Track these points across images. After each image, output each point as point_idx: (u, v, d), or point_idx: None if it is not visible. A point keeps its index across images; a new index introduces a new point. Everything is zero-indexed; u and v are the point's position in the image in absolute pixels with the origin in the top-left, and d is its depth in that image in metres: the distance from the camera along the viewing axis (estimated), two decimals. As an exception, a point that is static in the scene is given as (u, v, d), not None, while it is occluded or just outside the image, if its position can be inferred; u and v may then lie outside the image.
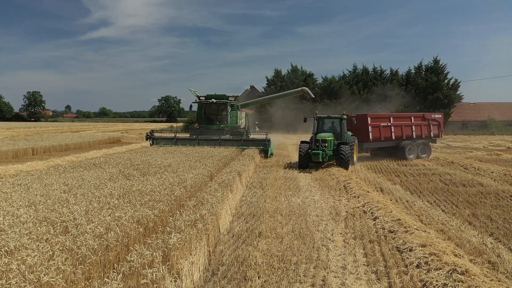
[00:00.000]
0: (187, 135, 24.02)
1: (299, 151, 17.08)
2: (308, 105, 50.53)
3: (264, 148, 21.17)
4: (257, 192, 11.62)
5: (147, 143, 24.23)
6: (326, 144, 16.57)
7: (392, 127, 20.72)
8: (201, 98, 24.91)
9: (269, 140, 21.31)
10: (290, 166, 18.07)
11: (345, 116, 18.27)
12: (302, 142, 17.76)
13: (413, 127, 21.54)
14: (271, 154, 21.37)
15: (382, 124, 20.42)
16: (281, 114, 51.32)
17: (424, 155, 21.57)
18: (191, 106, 25.72)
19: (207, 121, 24.62)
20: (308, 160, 16.80)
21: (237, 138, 22.11)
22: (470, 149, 27.72)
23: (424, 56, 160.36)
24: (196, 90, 26.15)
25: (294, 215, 8.96)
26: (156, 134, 23.04)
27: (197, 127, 24.70)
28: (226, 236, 7.35)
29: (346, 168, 16.32)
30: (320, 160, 16.47)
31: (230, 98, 24.99)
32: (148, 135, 22.72)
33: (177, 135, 22.64)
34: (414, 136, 21.48)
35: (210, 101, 24.39)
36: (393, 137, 20.78)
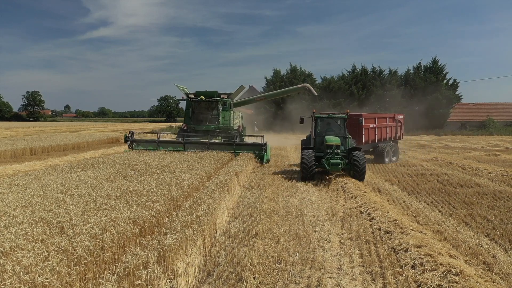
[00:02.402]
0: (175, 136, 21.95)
1: (303, 159, 13.95)
2: (307, 105, 50.54)
3: (259, 153, 18.73)
4: (255, 192, 11.63)
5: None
6: (339, 151, 14.13)
7: (376, 129, 19.56)
8: (189, 95, 22.15)
9: (265, 144, 18.89)
10: (288, 166, 18.09)
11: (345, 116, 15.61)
12: (305, 148, 14.85)
13: (387, 128, 20.62)
14: (267, 160, 19.09)
15: (371, 125, 19.17)
16: (281, 114, 51.32)
17: (394, 158, 20.25)
18: (177, 103, 23.92)
19: (196, 121, 21.77)
20: (313, 171, 13.93)
21: (229, 141, 19.59)
22: (468, 149, 27.76)
23: (424, 56, 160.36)
24: (185, 87, 23.56)
25: (291, 216, 8.98)
26: (136, 136, 20.56)
27: (185, 128, 21.95)
28: (222, 236, 7.36)
29: (361, 179, 13.81)
30: (341, 171, 14.15)
31: (222, 96, 22.29)
32: (126, 137, 19.95)
33: (160, 138, 20.31)
34: (387, 138, 20.60)
35: (198, 98, 21.37)
36: (376, 140, 19.61)
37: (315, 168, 14.07)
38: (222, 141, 20.27)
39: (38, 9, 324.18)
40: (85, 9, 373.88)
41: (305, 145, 15.78)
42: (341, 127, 15.59)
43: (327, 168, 13.86)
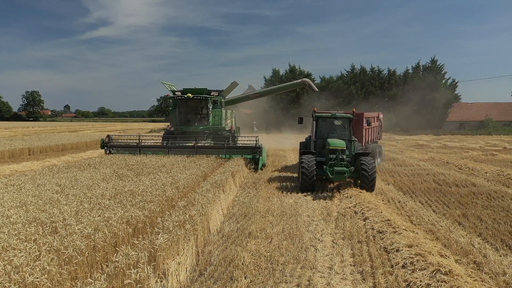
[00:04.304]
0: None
1: (302, 166, 11.97)
2: (306, 105, 50.61)
3: (254, 157, 16.72)
4: (250, 192, 11.67)
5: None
6: (344, 156, 12.27)
7: (370, 129, 18.40)
8: (176, 93, 20.05)
9: (260, 147, 16.73)
10: (285, 166, 18.13)
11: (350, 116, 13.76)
12: (304, 152, 12.89)
13: (375, 128, 19.72)
14: (263, 165, 17.08)
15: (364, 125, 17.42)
16: (281, 114, 51.35)
17: (379, 159, 18.78)
18: (162, 102, 20.92)
19: (183, 122, 19.70)
20: (314, 180, 12.00)
21: (219, 144, 17.71)
22: (466, 149, 27.80)
23: (425, 56, 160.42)
24: (173, 84, 21.68)
25: (286, 216, 9.02)
26: (115, 140, 18.39)
27: (171, 129, 19.94)
28: (216, 236, 7.41)
29: (371, 190, 11.88)
30: (346, 180, 12.23)
31: (212, 93, 20.25)
32: (103, 142, 17.79)
33: (142, 142, 18.07)
34: (374, 139, 19.55)
35: (185, 96, 19.22)
36: (369, 141, 18.50)
37: (316, 176, 12.21)
38: (212, 144, 18.59)
39: (38, 9, 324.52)
40: (85, 9, 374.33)
41: (304, 148, 14.14)
42: (345, 128, 13.75)
43: (330, 176, 11.84)
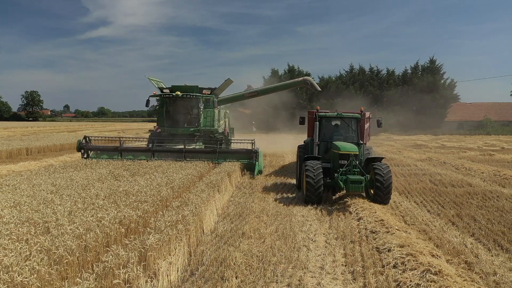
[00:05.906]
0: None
1: (308, 175, 10.11)
2: (305, 105, 50.65)
3: (250, 162, 15.39)
4: (246, 192, 11.70)
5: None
6: (357, 163, 10.71)
7: (366, 130, 16.80)
8: (164, 90, 18.26)
9: (256, 152, 15.45)
10: (282, 166, 18.15)
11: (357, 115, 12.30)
12: (308, 157, 11.04)
13: (369, 129, 18.02)
14: (260, 171, 15.47)
15: (366, 125, 15.98)
16: (281, 114, 51.32)
17: None
18: (148, 101, 17.93)
19: (171, 122, 17.96)
20: (322, 191, 10.23)
21: (210, 148, 16.06)
22: (464, 149, 27.80)
23: (423, 56, 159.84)
24: (161, 81, 19.75)
25: (280, 216, 9.05)
26: (93, 142, 16.59)
27: (157, 130, 18.33)
28: (209, 236, 7.42)
29: (387, 201, 10.22)
30: (362, 191, 10.59)
31: (204, 91, 18.82)
32: (80, 144, 15.92)
33: (123, 144, 16.42)
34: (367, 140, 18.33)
35: (173, 94, 17.55)
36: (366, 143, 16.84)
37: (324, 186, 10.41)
38: (203, 147, 16.95)
39: (38, 8, 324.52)
40: (85, 8, 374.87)
41: (305, 152, 12.28)
42: (352, 130, 12.18)
43: (342, 186, 10.26)
